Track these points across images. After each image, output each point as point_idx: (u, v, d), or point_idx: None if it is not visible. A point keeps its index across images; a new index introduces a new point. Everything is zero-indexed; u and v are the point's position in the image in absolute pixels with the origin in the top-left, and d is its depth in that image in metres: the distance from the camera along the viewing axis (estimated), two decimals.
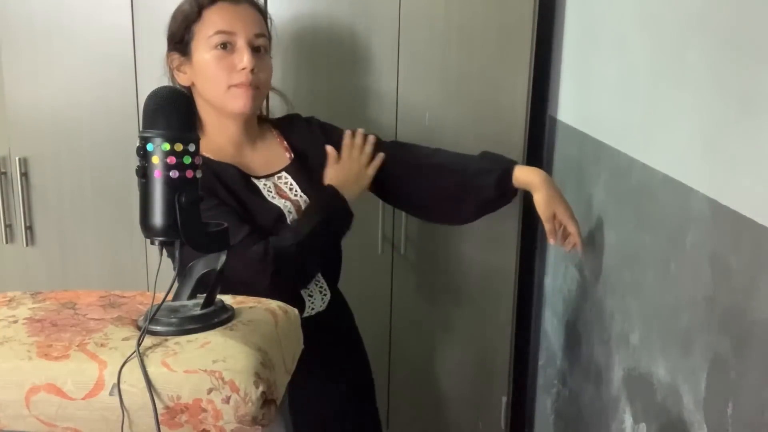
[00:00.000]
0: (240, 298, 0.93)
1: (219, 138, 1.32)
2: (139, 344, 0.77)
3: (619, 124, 1.44)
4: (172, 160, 0.80)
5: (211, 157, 1.28)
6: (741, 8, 0.97)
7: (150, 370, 0.75)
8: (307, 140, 1.43)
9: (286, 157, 1.39)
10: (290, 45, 1.79)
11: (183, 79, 1.31)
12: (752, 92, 0.93)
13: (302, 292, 1.36)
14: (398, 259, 1.93)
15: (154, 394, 0.74)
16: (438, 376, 2.04)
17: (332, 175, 1.41)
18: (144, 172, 0.81)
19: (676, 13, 1.18)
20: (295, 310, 0.95)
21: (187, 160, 0.81)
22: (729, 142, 0.99)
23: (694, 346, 1.08)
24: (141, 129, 0.82)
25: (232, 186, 1.28)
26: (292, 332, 0.91)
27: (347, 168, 1.41)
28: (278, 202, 1.33)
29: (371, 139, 1.45)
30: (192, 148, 0.82)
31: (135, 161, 0.82)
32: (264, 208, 1.30)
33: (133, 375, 0.75)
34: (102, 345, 0.78)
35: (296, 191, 1.36)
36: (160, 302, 0.82)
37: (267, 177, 1.35)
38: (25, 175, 1.83)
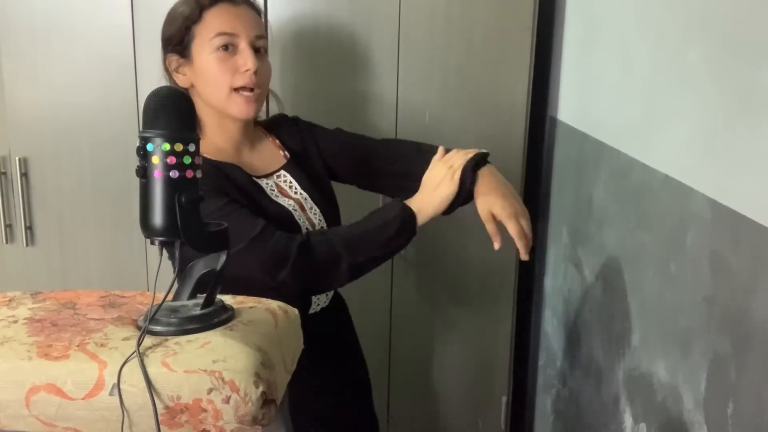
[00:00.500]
0: (240, 298, 0.93)
1: (218, 139, 1.32)
2: (139, 344, 0.77)
3: (619, 124, 1.44)
4: (172, 160, 0.80)
5: (212, 158, 1.28)
6: (741, 8, 0.97)
7: (150, 370, 0.75)
8: (298, 139, 1.44)
9: (281, 156, 1.40)
10: (290, 45, 1.79)
11: (182, 81, 1.30)
12: (752, 92, 0.93)
13: None
14: (398, 259, 1.93)
15: (154, 394, 0.74)
16: (438, 375, 2.04)
17: (423, 196, 1.29)
18: (144, 172, 0.81)
19: (676, 13, 1.18)
20: (295, 310, 0.95)
21: (187, 160, 0.81)
22: (729, 142, 0.99)
23: (694, 346, 1.08)
24: (141, 129, 0.82)
25: (240, 185, 1.28)
26: (292, 332, 0.91)
27: (439, 195, 1.28)
28: (283, 201, 1.33)
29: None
30: (192, 148, 0.82)
31: (135, 161, 0.82)
32: (272, 207, 1.31)
33: (133, 375, 0.75)
34: (102, 345, 0.78)
35: (296, 189, 1.37)
36: (160, 302, 0.82)
37: (267, 176, 1.35)
38: (25, 175, 1.83)
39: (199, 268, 0.87)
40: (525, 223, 1.24)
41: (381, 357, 1.98)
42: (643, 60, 1.32)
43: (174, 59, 1.30)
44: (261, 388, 0.76)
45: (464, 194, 1.28)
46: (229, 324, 0.84)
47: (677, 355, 1.13)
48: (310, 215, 1.36)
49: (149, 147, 0.80)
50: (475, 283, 1.97)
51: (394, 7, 1.78)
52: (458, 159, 1.29)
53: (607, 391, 1.45)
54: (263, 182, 1.34)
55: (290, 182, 1.37)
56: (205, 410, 0.75)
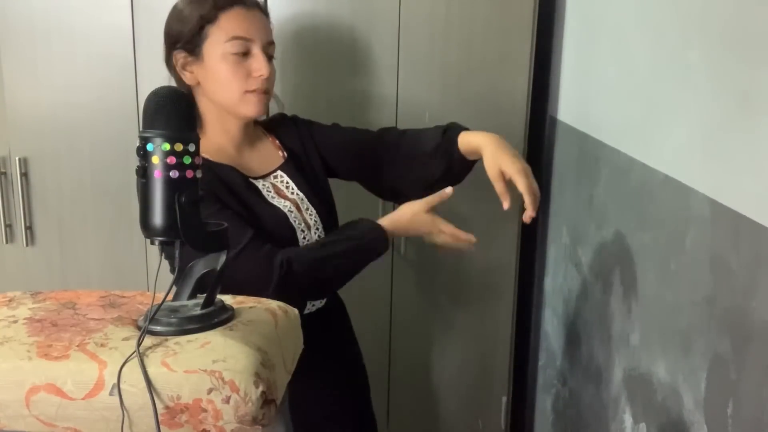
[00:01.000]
0: (240, 298, 0.93)
1: (220, 138, 1.33)
2: (139, 344, 0.77)
3: (619, 124, 1.44)
4: (172, 160, 0.80)
5: (211, 159, 1.28)
6: (741, 8, 0.97)
7: (150, 370, 0.75)
8: (297, 139, 1.44)
9: (279, 156, 1.40)
10: (290, 45, 1.79)
11: (188, 79, 1.30)
12: (752, 92, 0.93)
13: None
14: (398, 259, 1.93)
15: (154, 394, 0.74)
16: (438, 376, 2.04)
17: (407, 218, 1.33)
18: (144, 172, 0.81)
19: (676, 13, 1.18)
20: (295, 310, 0.95)
21: (187, 160, 0.81)
22: (729, 142, 0.99)
23: (694, 346, 1.08)
24: (141, 129, 0.82)
25: (234, 188, 1.28)
26: (292, 332, 0.91)
27: (423, 223, 1.32)
28: (278, 202, 1.33)
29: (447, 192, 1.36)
30: (192, 148, 0.82)
31: (135, 161, 0.82)
32: (267, 209, 1.31)
33: (133, 375, 0.75)
34: (102, 345, 0.78)
35: (293, 189, 1.37)
36: (160, 302, 0.82)
37: (264, 177, 1.35)
38: (25, 175, 1.83)
39: (199, 268, 0.87)
40: (533, 181, 1.26)
41: (381, 357, 1.98)
42: (642, 60, 1.32)
43: (181, 57, 1.29)
44: (261, 388, 0.76)
45: (456, 166, 1.37)
46: (229, 324, 0.84)
47: (677, 355, 1.13)
48: (306, 216, 1.36)
49: (149, 147, 0.80)
50: (475, 283, 1.97)
51: (394, 7, 1.78)
52: (448, 228, 1.33)
53: (607, 391, 1.45)
54: (259, 183, 1.34)
55: (287, 182, 1.37)
56: (205, 410, 0.75)
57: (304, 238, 1.34)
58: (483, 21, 1.80)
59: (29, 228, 1.86)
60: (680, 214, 1.12)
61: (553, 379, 1.89)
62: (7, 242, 1.87)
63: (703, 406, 1.04)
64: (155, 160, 0.80)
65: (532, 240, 2.03)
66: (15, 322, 0.84)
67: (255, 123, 1.43)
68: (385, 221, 1.33)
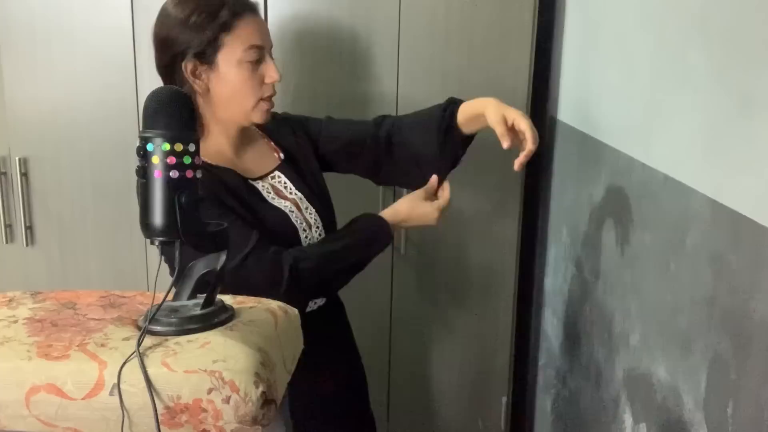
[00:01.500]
0: (240, 298, 0.93)
1: (219, 142, 1.33)
2: (139, 344, 0.77)
3: (619, 124, 1.44)
4: (172, 160, 0.80)
5: (211, 162, 1.28)
6: (741, 8, 0.97)
7: (150, 370, 0.75)
8: (291, 138, 1.44)
9: (275, 156, 1.40)
10: (290, 45, 1.79)
11: (199, 86, 1.27)
12: (752, 93, 0.93)
13: None
14: (398, 259, 1.93)
15: (154, 394, 0.74)
16: (438, 376, 2.03)
17: (407, 207, 1.40)
18: (144, 172, 0.81)
19: (676, 13, 1.18)
20: (295, 311, 0.95)
21: (187, 160, 0.81)
22: (729, 142, 0.99)
23: (694, 346, 1.08)
24: (141, 129, 0.82)
25: (236, 191, 1.28)
26: (292, 332, 0.92)
27: (423, 214, 1.40)
28: (279, 203, 1.33)
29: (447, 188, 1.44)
30: (192, 148, 0.82)
31: (135, 161, 0.82)
32: (269, 211, 1.31)
33: (133, 375, 0.75)
34: (102, 345, 0.78)
35: (291, 189, 1.37)
36: (160, 302, 0.82)
37: (262, 178, 1.35)
38: (25, 175, 1.83)
39: (199, 268, 0.87)
40: (533, 126, 1.32)
41: (381, 357, 1.98)
42: (643, 60, 1.32)
43: (191, 64, 1.25)
44: (261, 388, 0.76)
45: (457, 140, 1.40)
46: (229, 324, 0.84)
47: (677, 355, 1.13)
48: (306, 215, 1.36)
49: (149, 147, 0.80)
50: (475, 283, 1.97)
51: (394, 7, 1.78)
52: (446, 201, 1.41)
53: (607, 391, 1.45)
54: (259, 185, 1.34)
55: (285, 183, 1.37)
56: (205, 410, 0.75)
57: (306, 237, 1.34)
58: (483, 21, 1.80)
59: (29, 228, 1.86)
60: (680, 214, 1.12)
61: (553, 379, 1.89)
62: (7, 242, 1.87)
63: (703, 406, 1.05)
64: (155, 160, 0.80)
65: (532, 240, 2.03)
66: (15, 322, 0.84)
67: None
68: (387, 213, 1.38)
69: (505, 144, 1.31)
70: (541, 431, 2.02)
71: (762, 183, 0.90)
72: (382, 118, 1.50)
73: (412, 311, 1.97)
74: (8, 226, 1.86)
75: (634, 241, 1.33)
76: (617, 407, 1.39)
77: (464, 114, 1.39)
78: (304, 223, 1.35)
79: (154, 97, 0.83)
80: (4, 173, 1.83)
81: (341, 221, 1.42)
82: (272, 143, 1.42)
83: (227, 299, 0.90)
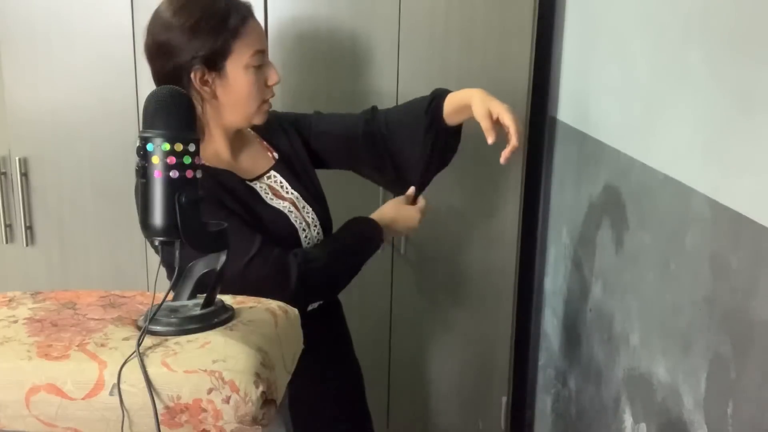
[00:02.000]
0: (240, 298, 0.93)
1: (218, 145, 1.33)
2: (139, 344, 0.77)
3: (619, 124, 1.44)
4: (172, 160, 0.80)
5: (210, 165, 1.28)
6: (741, 8, 0.97)
7: (150, 370, 0.75)
8: (284, 136, 1.44)
9: (270, 157, 1.40)
10: (291, 45, 1.79)
11: (207, 94, 1.26)
12: (752, 92, 0.93)
13: None
14: (398, 259, 1.93)
15: (154, 394, 0.74)
16: (438, 376, 2.04)
17: (392, 209, 1.43)
18: (144, 172, 0.81)
19: (676, 14, 1.18)
20: (295, 310, 0.95)
21: (187, 160, 0.81)
22: (729, 142, 0.99)
23: (694, 346, 1.08)
24: (141, 129, 0.82)
25: (236, 193, 1.28)
26: (292, 332, 0.91)
27: (408, 216, 1.44)
28: (277, 203, 1.33)
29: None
30: (192, 148, 0.82)
31: (135, 161, 0.82)
32: (268, 212, 1.31)
33: (133, 375, 0.75)
34: (102, 345, 0.78)
35: (287, 189, 1.37)
36: (160, 302, 0.82)
37: (259, 179, 1.35)
38: (25, 175, 1.83)
39: (199, 268, 0.87)
40: (518, 120, 1.33)
41: (381, 357, 1.98)
42: (643, 60, 1.32)
43: (200, 72, 1.23)
44: (261, 388, 0.76)
45: (444, 133, 1.42)
46: (229, 324, 0.84)
47: (677, 355, 1.13)
48: (303, 214, 1.36)
49: (149, 147, 0.80)
50: (475, 283, 1.97)
51: (394, 7, 1.78)
52: (426, 205, 1.45)
53: (607, 391, 1.45)
54: (257, 186, 1.34)
55: (281, 182, 1.37)
56: (205, 410, 0.75)
57: (306, 237, 1.34)
58: (483, 21, 1.80)
59: (29, 228, 1.86)
60: (680, 214, 1.12)
61: (553, 379, 1.89)
62: (7, 242, 1.87)
63: (703, 406, 1.05)
64: (155, 160, 0.80)
65: (532, 240, 2.03)
66: (15, 322, 0.84)
67: None
68: (375, 216, 1.41)
69: (490, 139, 1.31)
70: (541, 431, 2.02)
71: (762, 183, 0.90)
72: (372, 113, 1.49)
73: (412, 311, 1.97)
74: (8, 226, 1.86)
75: (634, 241, 1.33)
76: (617, 407, 1.39)
77: (450, 105, 1.41)
78: (303, 223, 1.35)
79: (154, 97, 0.83)
80: (4, 173, 1.83)
81: (341, 220, 1.42)
82: (265, 143, 1.42)
83: (227, 299, 0.90)
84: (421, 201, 1.47)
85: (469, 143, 1.87)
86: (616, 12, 1.48)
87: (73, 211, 1.86)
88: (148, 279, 1.88)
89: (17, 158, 1.81)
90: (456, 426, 2.06)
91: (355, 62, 1.82)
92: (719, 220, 1.00)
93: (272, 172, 1.37)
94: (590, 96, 1.65)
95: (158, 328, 0.81)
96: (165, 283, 0.86)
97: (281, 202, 1.34)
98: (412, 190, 1.46)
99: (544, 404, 1.98)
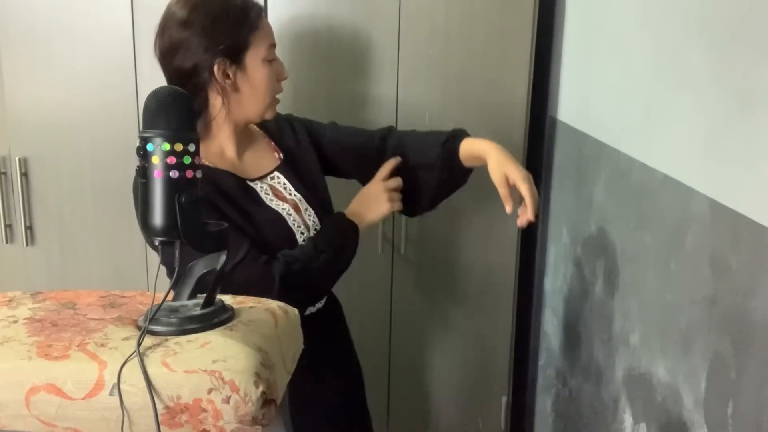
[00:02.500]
0: (240, 298, 0.93)
1: (223, 143, 1.33)
2: (139, 344, 0.77)
3: (619, 124, 1.44)
4: (172, 160, 0.80)
5: (210, 165, 1.29)
6: (741, 8, 0.97)
7: (150, 370, 0.75)
8: (293, 139, 1.44)
9: (275, 157, 1.40)
10: (291, 45, 1.79)
11: (229, 86, 1.27)
12: (752, 92, 0.93)
13: None
14: (398, 259, 1.93)
15: (154, 394, 0.74)
16: (438, 375, 2.04)
17: (357, 199, 1.43)
18: (144, 172, 0.81)
19: (676, 13, 1.18)
20: (295, 310, 0.95)
21: (187, 160, 0.81)
22: (729, 142, 0.99)
23: (694, 346, 1.08)
24: (141, 129, 0.82)
25: (231, 195, 1.28)
26: (292, 332, 0.92)
27: (373, 196, 1.41)
28: (276, 205, 1.33)
29: (390, 163, 1.44)
30: (192, 148, 0.82)
31: (135, 161, 0.82)
32: (264, 213, 1.31)
33: (133, 375, 0.75)
34: (102, 345, 0.78)
35: (290, 190, 1.37)
36: (160, 302, 0.82)
37: (261, 179, 1.35)
38: (25, 175, 1.83)
39: (199, 268, 0.87)
40: (534, 187, 1.32)
41: (381, 357, 1.98)
42: (643, 60, 1.32)
43: (223, 65, 1.25)
44: (261, 388, 0.76)
45: (458, 172, 1.42)
46: (229, 324, 0.84)
47: (677, 355, 1.13)
48: (305, 217, 1.36)
49: (149, 147, 0.80)
50: (475, 283, 1.97)
51: (394, 7, 1.78)
52: (393, 182, 1.41)
53: (607, 391, 1.45)
54: (257, 186, 1.34)
55: (284, 184, 1.37)
56: (205, 410, 0.75)
57: (304, 239, 1.34)
58: (483, 21, 1.80)
59: (29, 228, 1.86)
60: (680, 214, 1.12)
61: (553, 379, 1.89)
62: (7, 242, 1.87)
63: (703, 406, 1.05)
64: (155, 160, 0.80)
65: (532, 240, 2.03)
66: (15, 322, 0.84)
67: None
68: (347, 210, 1.41)
69: (508, 208, 1.31)
70: (541, 431, 2.02)
71: (762, 183, 0.90)
72: (388, 131, 1.50)
73: (412, 311, 1.97)
74: (8, 226, 1.86)
75: (634, 241, 1.33)
76: (617, 407, 1.39)
77: (465, 151, 1.40)
78: (302, 226, 1.35)
79: (154, 97, 0.83)
80: (4, 173, 1.83)
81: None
82: (273, 144, 1.42)
83: (227, 299, 0.91)
84: (384, 171, 1.42)
85: None
86: (616, 12, 1.48)
87: (73, 211, 1.86)
88: (148, 279, 1.88)
89: (17, 158, 1.81)
90: (456, 426, 2.06)
91: (355, 61, 1.82)
92: (719, 220, 1.00)
93: (276, 173, 1.38)
94: (590, 96, 1.65)
95: (158, 328, 0.81)
96: (165, 283, 0.86)
97: (281, 203, 1.34)
98: (384, 173, 1.42)
99: (544, 404, 1.98)
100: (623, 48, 1.43)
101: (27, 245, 1.87)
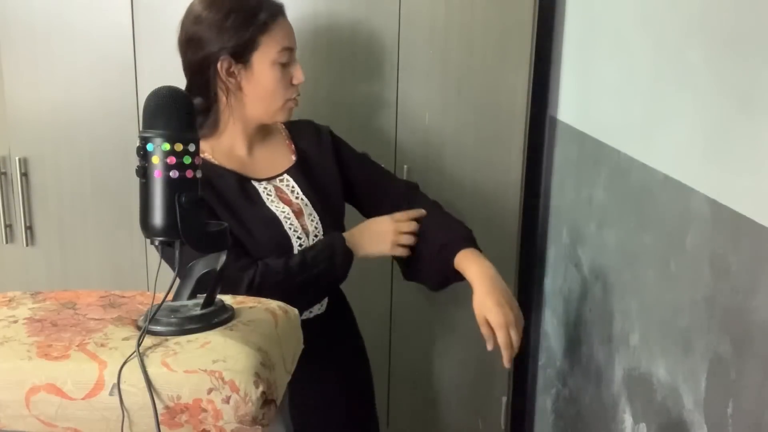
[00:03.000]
0: (240, 298, 0.93)
1: (234, 140, 1.34)
2: (139, 344, 0.77)
3: (619, 124, 1.44)
4: (172, 160, 0.80)
5: (214, 161, 1.29)
6: (741, 8, 0.97)
7: (150, 370, 0.75)
8: (314, 146, 1.43)
9: (290, 158, 1.40)
10: None
11: (232, 85, 1.30)
12: (752, 92, 0.93)
13: None
14: (398, 259, 1.93)
15: (154, 394, 0.74)
16: (438, 376, 2.03)
17: (361, 229, 1.38)
18: (144, 172, 0.81)
19: (676, 13, 1.18)
20: (295, 310, 0.95)
21: (187, 160, 0.81)
22: (729, 142, 0.99)
23: (694, 346, 1.08)
24: (141, 129, 0.82)
25: (224, 193, 1.28)
26: (292, 332, 0.92)
27: (378, 232, 1.38)
28: (276, 207, 1.33)
29: (414, 212, 1.41)
30: (192, 148, 0.82)
31: (135, 161, 0.82)
32: (258, 216, 1.30)
33: (133, 375, 0.75)
34: (102, 345, 0.78)
35: (297, 193, 1.36)
36: (160, 302, 0.82)
37: (269, 180, 1.35)
38: (25, 175, 1.83)
39: (199, 268, 0.87)
40: (514, 334, 1.27)
41: (381, 357, 1.98)
42: (643, 60, 1.32)
43: (227, 63, 1.28)
44: (261, 388, 0.76)
45: (450, 275, 1.36)
46: (229, 324, 0.84)
47: (677, 355, 1.13)
48: (306, 222, 1.35)
49: (149, 147, 0.81)
50: None
51: (394, 7, 1.78)
52: (407, 226, 1.38)
53: (607, 391, 1.45)
54: (261, 186, 1.34)
55: (292, 186, 1.37)
56: (205, 410, 0.75)
57: (301, 245, 1.33)
58: (483, 21, 1.80)
59: (29, 228, 1.86)
60: (680, 214, 1.12)
61: (553, 379, 1.89)
62: (7, 242, 1.87)
63: (703, 406, 1.05)
64: (155, 160, 0.80)
65: (532, 240, 2.03)
66: (15, 322, 0.84)
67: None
68: (348, 233, 1.37)
69: (489, 346, 1.29)
70: (541, 431, 2.02)
71: (762, 183, 0.90)
72: (414, 193, 1.48)
73: (412, 311, 1.97)
74: (8, 226, 1.86)
75: (634, 241, 1.33)
76: (617, 407, 1.39)
77: (456, 266, 1.35)
78: (300, 230, 1.33)
79: (154, 97, 0.83)
80: (4, 173, 1.83)
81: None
82: (292, 145, 1.42)
83: (227, 299, 0.91)
84: (404, 216, 1.39)
85: (469, 142, 1.88)
86: (616, 12, 1.48)
87: (73, 211, 1.86)
88: (148, 279, 1.88)
89: (17, 158, 1.81)
90: (456, 426, 2.06)
91: (355, 62, 1.82)
92: (719, 220, 1.00)
93: (285, 175, 1.38)
94: (590, 96, 1.65)
95: (158, 328, 0.81)
96: (165, 283, 0.86)
97: (281, 205, 1.34)
98: (402, 215, 1.39)
99: (544, 404, 1.98)
100: (623, 48, 1.43)
101: (27, 245, 1.87)
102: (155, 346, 0.78)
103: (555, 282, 1.88)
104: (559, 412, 1.84)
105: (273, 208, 1.33)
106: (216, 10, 1.27)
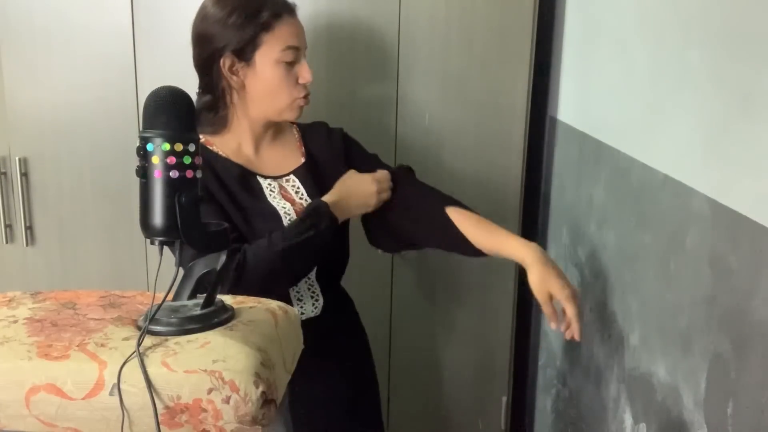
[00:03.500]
0: (240, 298, 0.93)
1: (242, 137, 1.34)
2: (139, 344, 0.77)
3: (619, 124, 1.44)
4: (172, 160, 0.80)
5: (220, 153, 1.30)
6: (741, 8, 0.97)
7: (150, 370, 0.75)
8: (325, 148, 1.43)
9: (299, 159, 1.40)
10: None
11: (235, 82, 1.31)
12: (752, 92, 0.93)
13: (291, 295, 1.37)
14: (398, 259, 1.93)
15: (154, 394, 0.74)
16: (438, 376, 2.03)
17: (347, 192, 1.37)
18: (144, 172, 0.81)
19: (676, 13, 1.18)
20: (295, 310, 0.95)
21: (187, 160, 0.81)
22: (729, 142, 0.99)
23: (694, 346, 1.08)
24: (141, 129, 0.82)
25: (226, 181, 1.29)
26: (292, 332, 0.92)
27: (361, 186, 1.38)
28: (278, 203, 1.33)
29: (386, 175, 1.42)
30: (192, 148, 0.82)
31: (135, 161, 0.82)
32: (260, 207, 1.31)
33: (133, 375, 0.75)
34: (102, 345, 0.78)
35: (302, 194, 1.36)
36: (160, 302, 0.82)
37: (275, 178, 1.36)
38: (25, 175, 1.83)
39: (199, 268, 0.87)
40: (578, 306, 1.26)
41: (381, 357, 1.98)
42: (643, 60, 1.32)
43: (230, 60, 1.29)
44: (261, 388, 0.76)
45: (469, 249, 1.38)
46: (229, 324, 0.84)
47: (677, 355, 1.13)
48: None
49: (149, 147, 0.81)
50: (476, 283, 1.97)
51: (394, 7, 1.78)
52: (387, 183, 1.40)
53: (607, 391, 1.45)
54: (266, 182, 1.34)
55: (297, 187, 1.37)
56: (205, 410, 0.75)
57: None
58: (483, 21, 1.80)
59: (29, 228, 1.86)
60: (680, 214, 1.12)
61: (553, 379, 1.89)
62: (7, 242, 1.87)
63: (703, 406, 1.05)
64: (155, 160, 0.80)
65: (532, 240, 2.03)
66: (15, 322, 0.84)
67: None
68: (329, 195, 1.35)
69: (554, 326, 1.27)
70: (540, 431, 2.02)
71: (762, 183, 0.90)
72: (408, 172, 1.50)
73: (412, 311, 1.97)
74: (8, 226, 1.86)
75: (634, 241, 1.33)
76: (617, 407, 1.39)
77: (493, 247, 1.35)
78: None
79: (154, 97, 0.83)
80: (4, 173, 1.83)
81: (353, 230, 1.42)
82: (302, 147, 1.42)
83: (227, 299, 0.91)
84: (383, 175, 1.41)
85: (469, 142, 1.88)
86: (616, 12, 1.48)
87: (73, 211, 1.86)
88: (148, 279, 1.88)
89: (17, 158, 1.81)
90: (456, 426, 2.06)
91: (355, 62, 1.82)
92: (719, 220, 1.00)
93: (291, 176, 1.38)
94: (590, 96, 1.65)
95: (158, 328, 0.81)
96: (165, 283, 0.86)
97: (283, 202, 1.34)
98: (382, 173, 1.41)
99: (544, 404, 1.98)
100: (623, 48, 1.43)
101: (27, 245, 1.87)
102: (155, 346, 0.78)
103: None
104: (559, 412, 1.84)
105: (274, 204, 1.33)
106: (221, 7, 1.29)
